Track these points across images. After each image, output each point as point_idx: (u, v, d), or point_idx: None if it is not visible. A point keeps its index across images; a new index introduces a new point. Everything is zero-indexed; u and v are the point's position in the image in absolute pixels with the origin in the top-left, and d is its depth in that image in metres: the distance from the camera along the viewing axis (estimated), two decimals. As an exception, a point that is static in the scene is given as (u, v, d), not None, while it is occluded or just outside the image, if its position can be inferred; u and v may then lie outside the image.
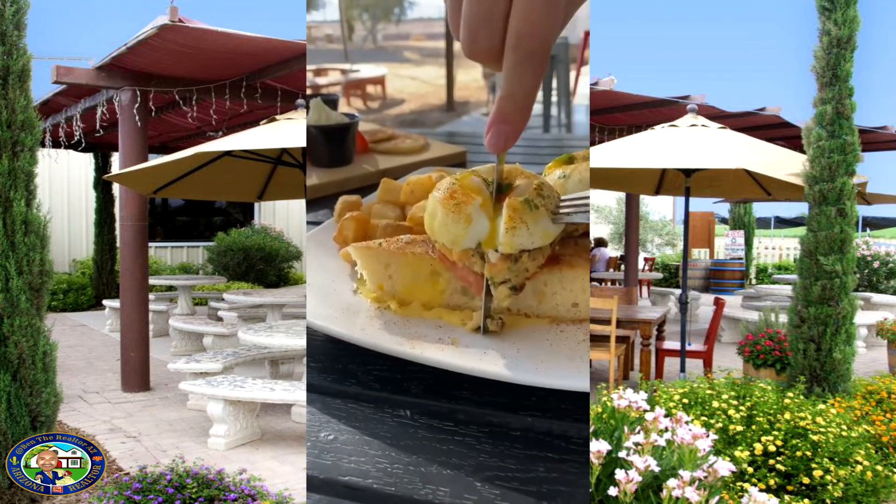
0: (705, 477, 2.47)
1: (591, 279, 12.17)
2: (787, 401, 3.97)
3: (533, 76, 1.56)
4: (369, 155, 5.11)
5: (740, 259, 17.26)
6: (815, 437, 3.67)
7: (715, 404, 3.89)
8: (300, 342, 5.18)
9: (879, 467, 3.70)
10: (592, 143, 8.75)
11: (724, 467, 2.50)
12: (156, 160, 5.60)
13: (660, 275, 14.95)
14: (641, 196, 13.66)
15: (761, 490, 3.50)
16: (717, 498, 2.39)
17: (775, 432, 3.72)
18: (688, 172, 5.95)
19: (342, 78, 9.42)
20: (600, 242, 14.64)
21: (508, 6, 1.49)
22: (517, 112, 1.64)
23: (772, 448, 3.62)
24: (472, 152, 5.53)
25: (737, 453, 3.57)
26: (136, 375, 6.56)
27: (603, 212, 20.00)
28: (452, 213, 2.49)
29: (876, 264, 13.31)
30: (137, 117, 6.50)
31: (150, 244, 10.49)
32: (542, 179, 2.64)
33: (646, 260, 17.07)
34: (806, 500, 3.50)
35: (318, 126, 4.77)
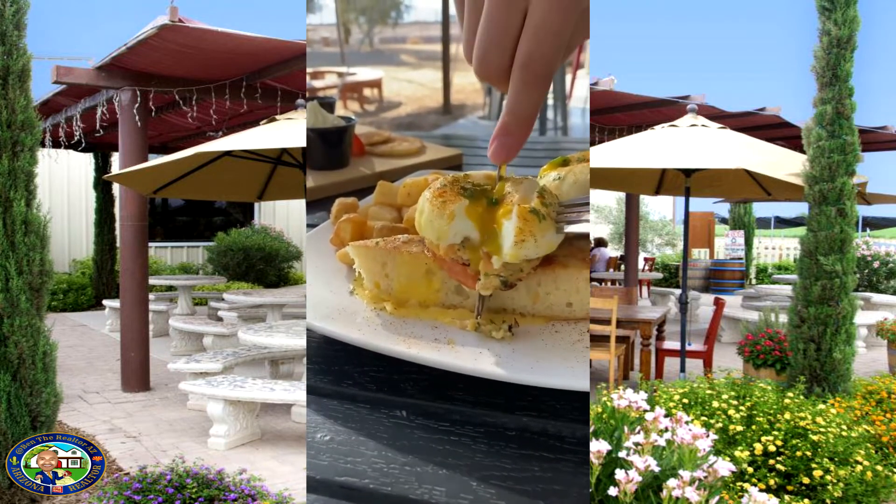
0: (705, 477, 2.47)
1: (591, 279, 12.17)
2: (787, 401, 3.97)
3: (537, 96, 1.67)
4: (366, 158, 5.11)
5: (740, 259, 17.25)
6: (815, 437, 3.67)
7: (715, 404, 3.89)
8: (300, 342, 5.18)
9: (879, 467, 3.70)
10: (592, 143, 8.75)
11: (724, 467, 2.50)
12: (156, 160, 5.60)
13: (660, 275, 14.95)
14: (641, 196, 13.66)
15: (761, 490, 3.50)
16: (717, 498, 2.39)
17: (775, 432, 3.72)
18: (688, 172, 5.95)
19: (339, 81, 9.42)
20: (600, 242, 14.64)
21: (519, 32, 1.60)
22: (520, 127, 1.75)
23: (772, 448, 3.62)
24: (469, 155, 5.52)
25: (737, 453, 3.57)
26: (136, 375, 6.56)
27: (603, 212, 19.99)
28: (437, 209, 2.54)
29: (876, 264, 13.31)
30: (137, 117, 6.50)
31: (150, 244, 10.50)
32: (542, 185, 2.65)
33: (646, 260, 17.07)
34: (806, 500, 3.50)
35: (315, 129, 4.76)
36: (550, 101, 8.87)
